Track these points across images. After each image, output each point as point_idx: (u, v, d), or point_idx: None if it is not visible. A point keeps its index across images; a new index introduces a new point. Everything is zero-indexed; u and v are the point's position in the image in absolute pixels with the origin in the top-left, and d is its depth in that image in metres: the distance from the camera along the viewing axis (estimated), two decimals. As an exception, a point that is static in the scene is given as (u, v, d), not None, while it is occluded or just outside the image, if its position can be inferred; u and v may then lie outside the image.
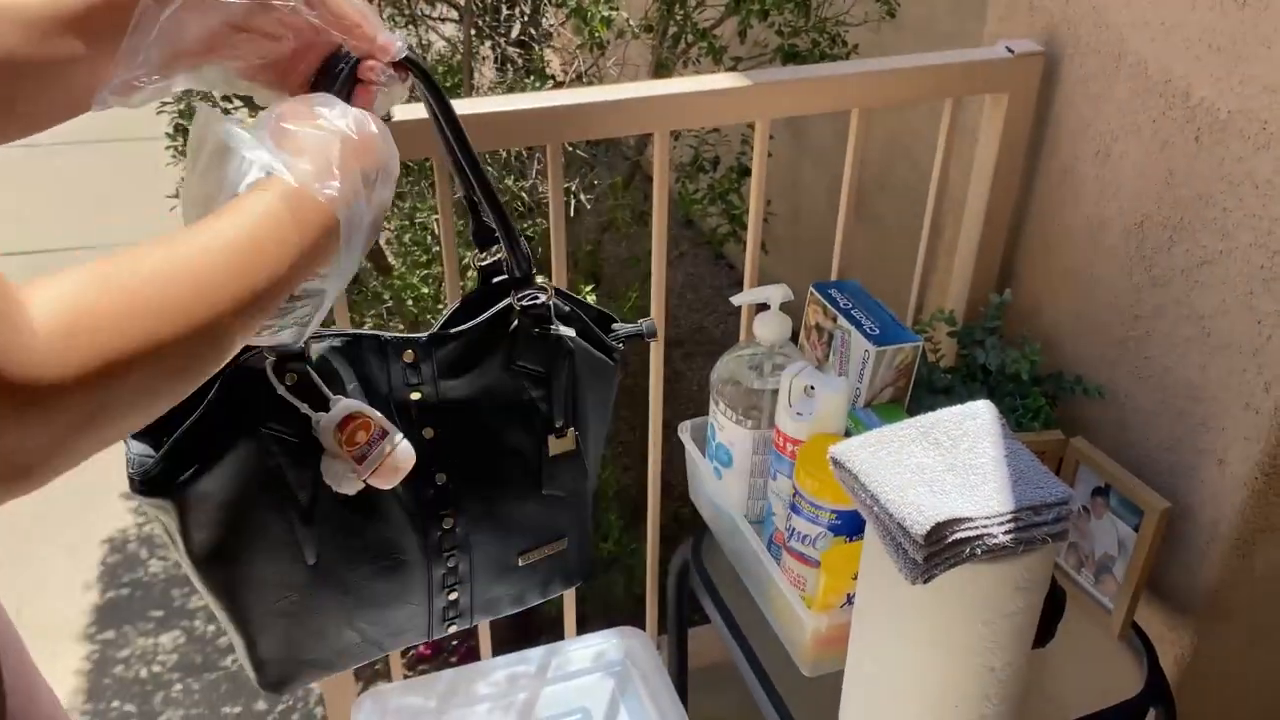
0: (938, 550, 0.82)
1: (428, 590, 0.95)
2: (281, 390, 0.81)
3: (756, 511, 1.22)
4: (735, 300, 1.18)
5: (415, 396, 0.88)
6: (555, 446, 0.94)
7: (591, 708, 1.28)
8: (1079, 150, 1.22)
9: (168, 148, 1.60)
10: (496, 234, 0.89)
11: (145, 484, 0.80)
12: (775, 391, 1.14)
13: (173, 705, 1.89)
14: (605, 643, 1.33)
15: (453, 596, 0.97)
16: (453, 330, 0.89)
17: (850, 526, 1.05)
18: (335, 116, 0.66)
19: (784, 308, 1.17)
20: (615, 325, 0.97)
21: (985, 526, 0.82)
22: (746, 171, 1.74)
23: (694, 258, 3.59)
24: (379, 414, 0.82)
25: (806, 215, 2.90)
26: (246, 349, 0.76)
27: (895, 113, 2.25)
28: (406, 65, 0.77)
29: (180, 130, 1.56)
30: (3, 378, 0.39)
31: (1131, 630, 1.15)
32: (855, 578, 1.02)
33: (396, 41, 0.75)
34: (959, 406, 0.94)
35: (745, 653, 1.15)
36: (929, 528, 0.81)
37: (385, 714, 1.23)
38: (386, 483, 0.82)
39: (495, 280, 0.91)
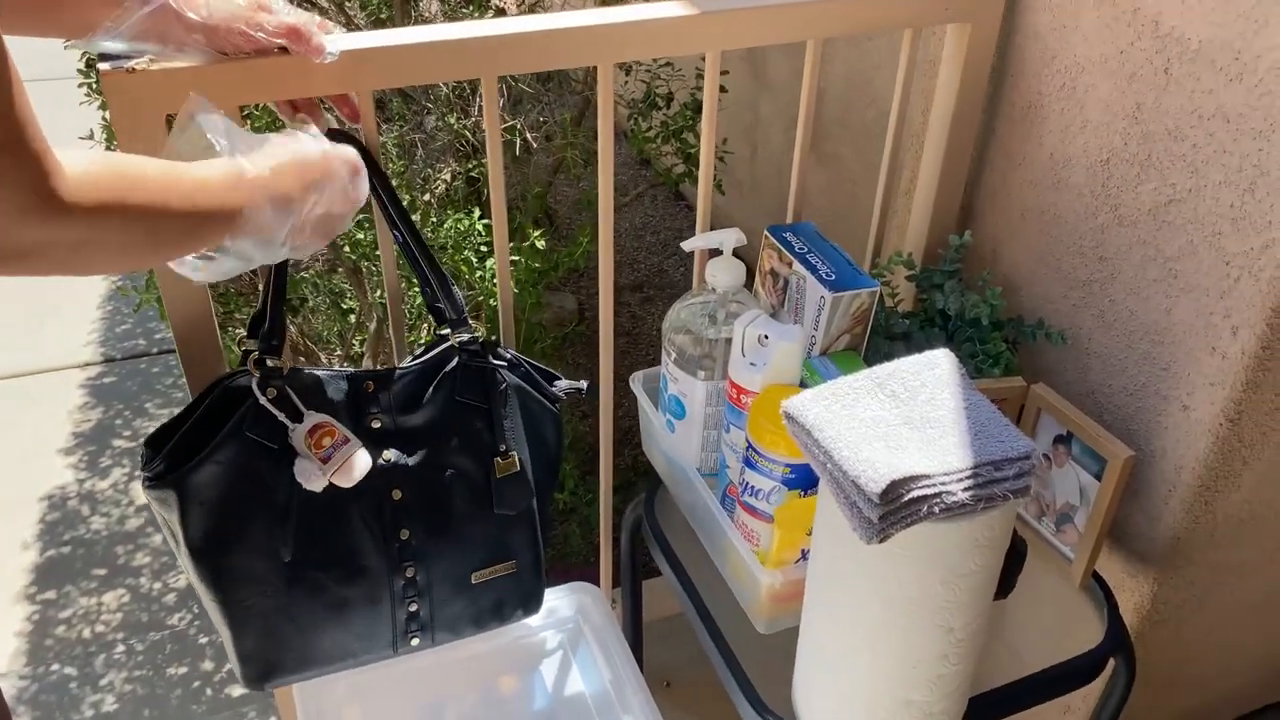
0: (893, 509, 0.78)
1: (390, 600, 1.05)
2: (264, 401, 0.96)
3: (710, 464, 1.18)
4: (686, 246, 1.12)
5: (375, 425, 1.02)
6: (500, 468, 1.06)
7: (543, 666, 1.25)
8: (1043, 84, 1.16)
9: (80, 85, 1.50)
10: (447, 315, 1.04)
11: (153, 478, 0.96)
12: (729, 341, 1.09)
13: (115, 667, 1.83)
14: (556, 600, 1.29)
15: (413, 608, 1.07)
16: (404, 366, 1.04)
17: (805, 481, 1.01)
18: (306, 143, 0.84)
19: (740, 252, 1.11)
20: (558, 382, 1.12)
21: (944, 484, 0.78)
22: (701, 108, 1.67)
23: (652, 199, 3.52)
24: (342, 426, 0.98)
25: (764, 155, 2.84)
26: (237, 374, 0.97)
27: (855, 48, 2.18)
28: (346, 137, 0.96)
29: (91, 65, 1.46)
30: (42, 192, 0.59)
31: (1092, 579, 1.13)
32: (810, 534, 0.99)
33: (328, 46, 0.90)
34: (917, 356, 0.90)
35: (698, 610, 1.12)
36: (884, 486, 0.76)
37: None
38: (346, 481, 0.96)
39: (440, 332, 1.07)
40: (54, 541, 2.17)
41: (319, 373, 1.03)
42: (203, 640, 1.89)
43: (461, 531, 1.08)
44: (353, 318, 1.86)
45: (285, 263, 1.00)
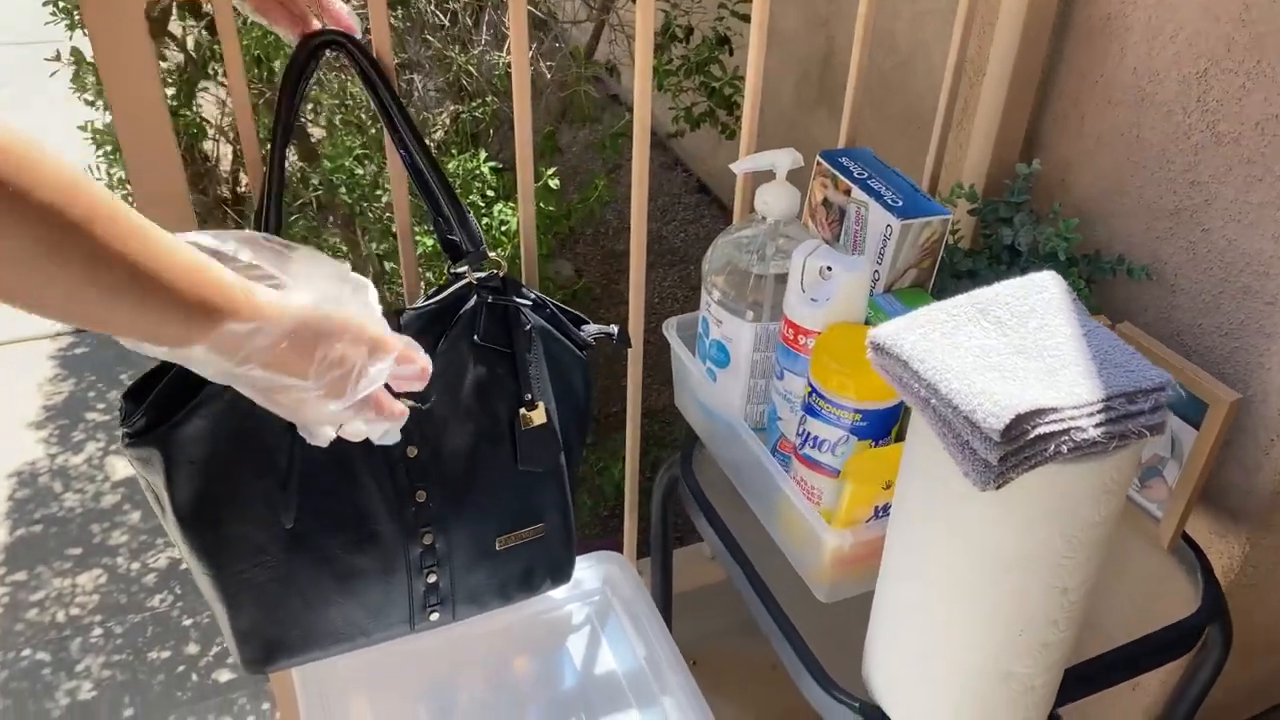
0: (1016, 449, 0.66)
1: (406, 569, 0.94)
2: None
3: (757, 417, 1.06)
4: (735, 167, 1.00)
5: None
6: (526, 420, 0.95)
7: (569, 643, 1.13)
8: (1126, -9, 1.05)
9: (45, 4, 1.35)
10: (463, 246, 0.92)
11: (134, 435, 0.84)
12: (780, 277, 0.98)
13: (92, 651, 1.70)
14: (581, 570, 1.17)
15: (432, 579, 0.96)
16: (417, 306, 0.90)
17: (878, 428, 0.90)
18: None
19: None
20: (586, 326, 1.00)
21: (1073, 419, 0.67)
22: (723, 41, 1.55)
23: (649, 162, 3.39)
24: None
25: (772, 111, 2.71)
26: None
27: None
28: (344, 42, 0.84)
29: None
30: None
31: (1182, 540, 1.02)
32: (887, 487, 0.87)
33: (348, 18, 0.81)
34: (1019, 279, 0.78)
35: (750, 578, 1.00)
36: (1007, 421, 0.65)
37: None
38: (357, 438, 0.81)
39: (456, 269, 0.93)
40: (24, 520, 2.03)
41: None
42: (186, 622, 1.76)
43: (484, 492, 0.96)
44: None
45: (284, 152, 0.87)
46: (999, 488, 0.67)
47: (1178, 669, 1.08)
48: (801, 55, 2.52)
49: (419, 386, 0.74)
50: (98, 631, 1.74)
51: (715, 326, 1.03)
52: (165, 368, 0.86)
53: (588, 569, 1.18)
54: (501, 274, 0.95)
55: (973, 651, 0.78)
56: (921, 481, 0.76)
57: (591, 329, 1.03)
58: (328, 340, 0.62)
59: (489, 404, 0.94)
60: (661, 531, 1.21)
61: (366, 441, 0.91)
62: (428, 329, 0.93)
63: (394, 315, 0.92)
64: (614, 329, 1.04)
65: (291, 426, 0.87)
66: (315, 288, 0.63)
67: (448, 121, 1.58)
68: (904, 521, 0.80)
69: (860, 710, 0.88)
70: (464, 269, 0.94)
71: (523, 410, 0.96)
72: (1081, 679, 0.90)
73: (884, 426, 0.90)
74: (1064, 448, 0.66)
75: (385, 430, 0.75)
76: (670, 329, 1.12)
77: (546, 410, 0.97)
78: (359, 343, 0.65)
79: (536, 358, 0.97)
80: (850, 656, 0.91)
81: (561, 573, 1.05)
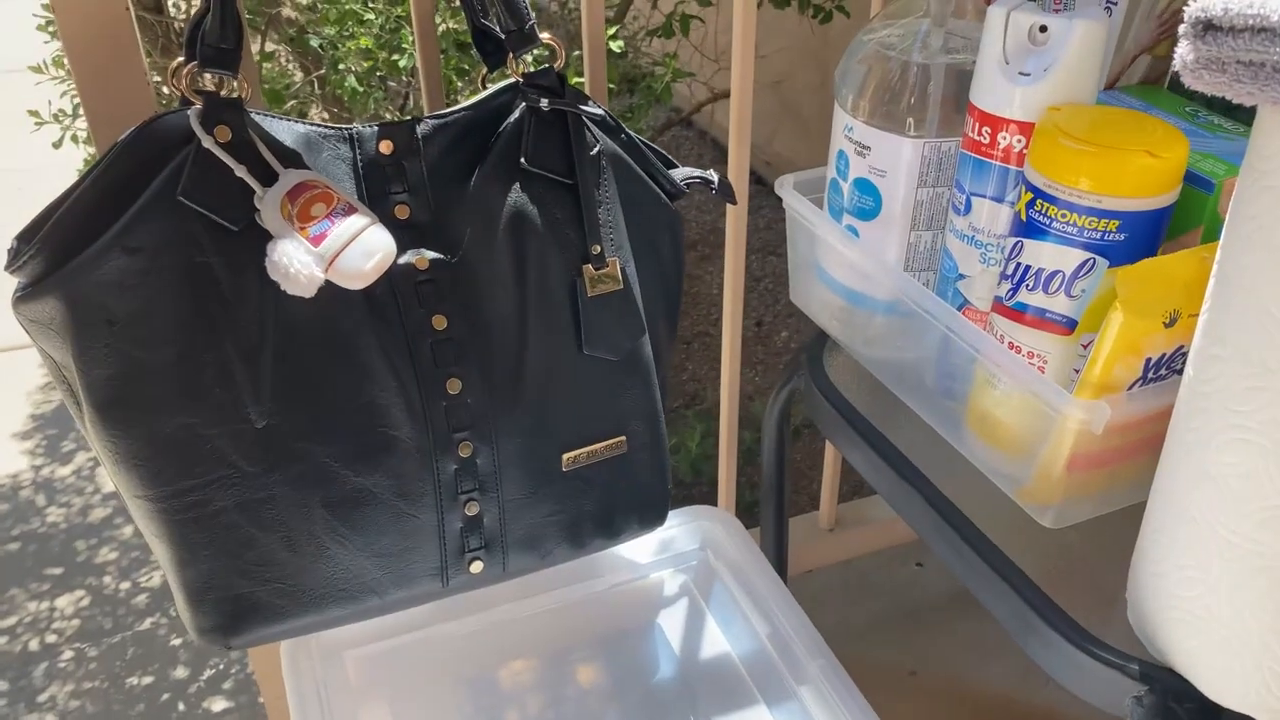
0: None
1: (435, 495, 0.66)
2: (210, 144, 0.58)
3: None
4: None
5: (401, 213, 0.64)
6: (593, 283, 0.68)
7: (661, 620, 0.82)
8: None
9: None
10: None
11: (29, 285, 0.58)
12: (956, 71, 0.69)
13: (58, 678, 1.41)
14: (671, 528, 0.87)
15: (472, 510, 0.68)
16: (441, 114, 0.66)
17: (1139, 244, 0.60)
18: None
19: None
20: (675, 170, 0.74)
21: None
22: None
23: (696, 155, 3.14)
24: (341, 190, 0.61)
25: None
26: (167, 113, 0.59)
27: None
28: None
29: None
30: None
31: None
32: (1169, 324, 0.57)
33: None
34: None
35: (929, 497, 0.69)
36: None
37: (325, 655, 0.77)
38: (356, 279, 0.60)
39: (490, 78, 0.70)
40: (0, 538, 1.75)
41: (304, 127, 0.62)
42: (175, 642, 1.46)
43: (542, 385, 0.68)
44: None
45: None
46: None
47: None
48: None
49: None
50: (68, 654, 1.45)
51: (858, 160, 0.74)
52: (75, 188, 0.58)
53: (679, 526, 0.88)
54: (560, 67, 0.66)
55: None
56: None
57: (683, 172, 0.75)
58: None
59: (543, 258, 0.66)
60: (776, 471, 0.90)
61: (372, 308, 0.63)
62: (456, 148, 0.65)
63: (407, 126, 0.64)
64: (713, 174, 0.76)
65: (261, 277, 0.59)
66: None
67: None
68: (1215, 354, 0.49)
69: (1141, 675, 0.56)
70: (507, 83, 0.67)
71: (587, 267, 0.67)
72: None
73: (1148, 241, 0.60)
74: None
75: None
76: (785, 186, 0.83)
77: (623, 272, 0.68)
78: None
79: (608, 197, 0.68)
80: (1091, 610, 0.60)
81: (653, 511, 0.75)
